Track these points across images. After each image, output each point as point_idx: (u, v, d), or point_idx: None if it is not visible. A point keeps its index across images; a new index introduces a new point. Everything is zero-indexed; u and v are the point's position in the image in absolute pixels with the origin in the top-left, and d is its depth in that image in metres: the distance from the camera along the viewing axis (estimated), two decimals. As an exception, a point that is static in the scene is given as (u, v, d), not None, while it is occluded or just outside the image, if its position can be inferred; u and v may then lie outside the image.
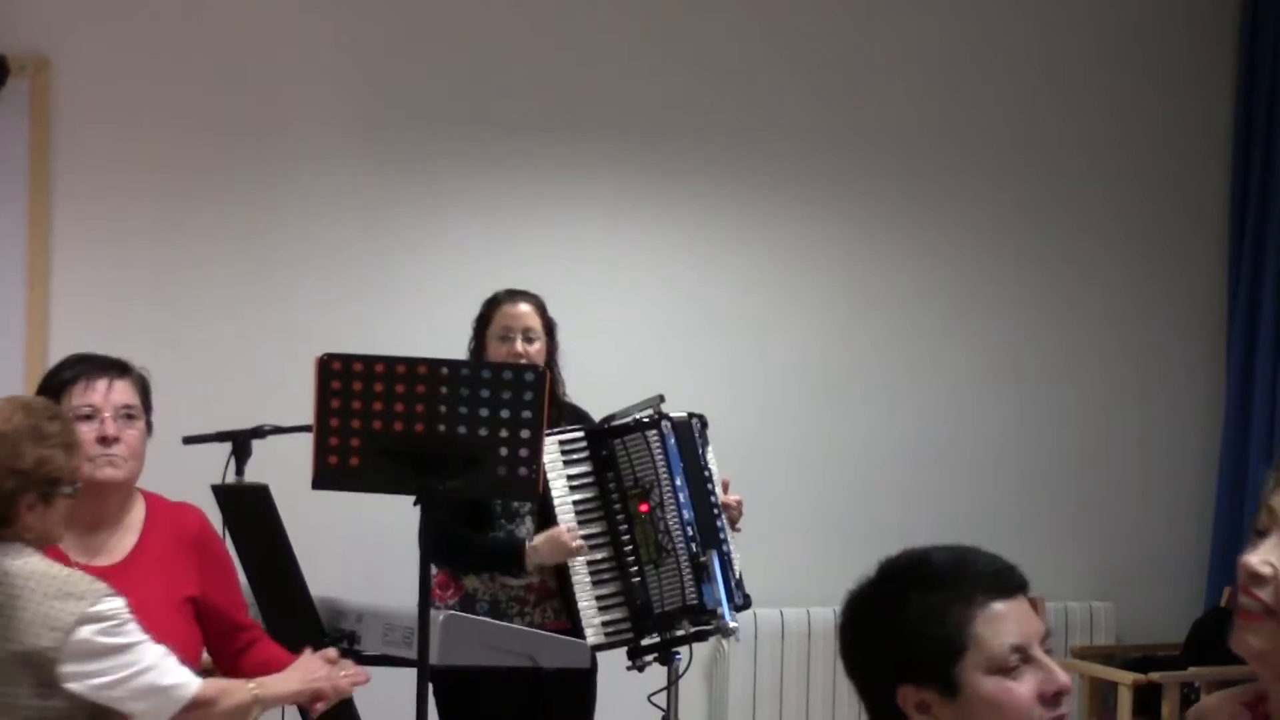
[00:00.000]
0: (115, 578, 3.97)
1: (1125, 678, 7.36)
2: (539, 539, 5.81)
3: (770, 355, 7.59)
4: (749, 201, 7.54)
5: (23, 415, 3.80)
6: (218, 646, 4.39)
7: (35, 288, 6.81)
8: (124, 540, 4.22)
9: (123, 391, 4.22)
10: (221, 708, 3.94)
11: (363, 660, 4.97)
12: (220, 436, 5.46)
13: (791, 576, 7.44)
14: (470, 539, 5.87)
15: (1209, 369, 8.10)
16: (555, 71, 7.31)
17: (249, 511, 4.95)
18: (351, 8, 7.09)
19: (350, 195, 7.11)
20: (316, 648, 4.89)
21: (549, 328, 6.28)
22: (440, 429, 5.22)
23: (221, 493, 5.05)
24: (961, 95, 7.76)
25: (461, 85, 7.20)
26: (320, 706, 4.24)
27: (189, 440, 5.17)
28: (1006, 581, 2.69)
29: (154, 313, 6.85)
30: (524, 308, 6.25)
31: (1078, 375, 7.96)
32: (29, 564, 3.75)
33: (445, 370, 5.30)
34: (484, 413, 5.25)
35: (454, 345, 6.23)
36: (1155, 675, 7.34)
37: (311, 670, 4.23)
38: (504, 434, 5.26)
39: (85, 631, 3.71)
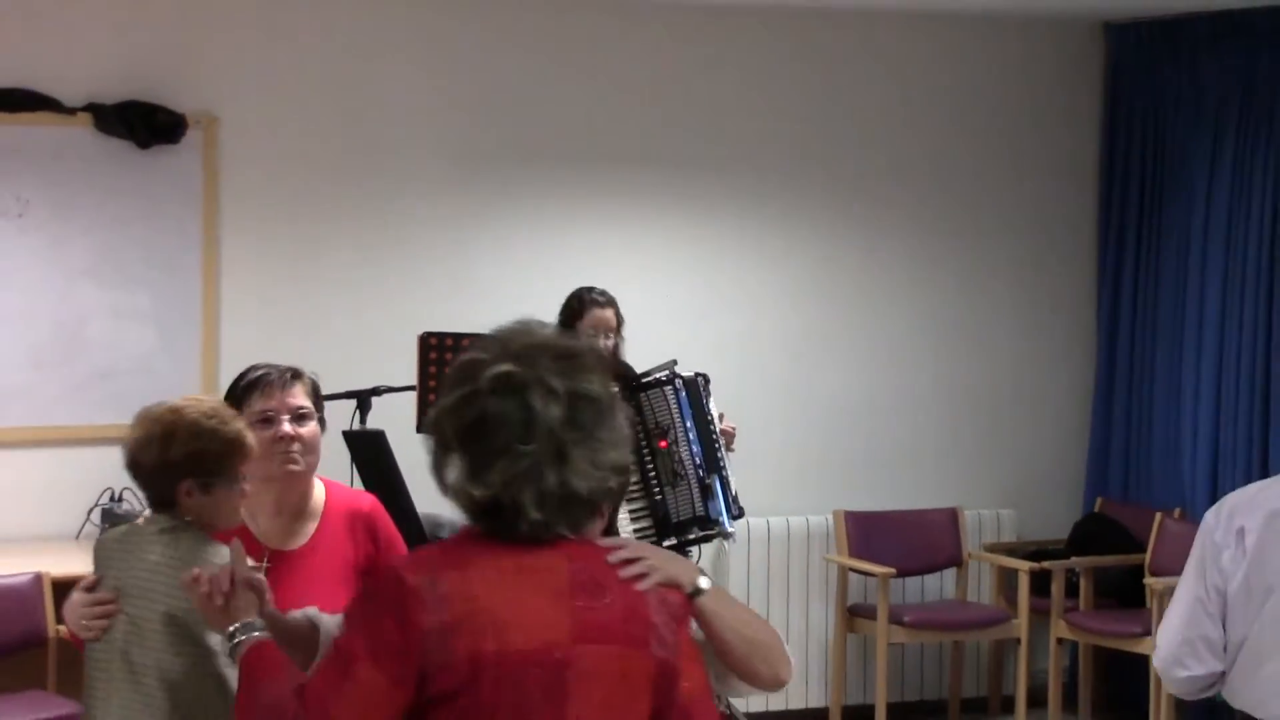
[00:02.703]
0: (305, 558, 3.68)
1: (1024, 566, 7.38)
2: None
3: (756, 327, 7.60)
4: (739, 215, 7.53)
5: (173, 416, 3.43)
6: None
7: (208, 291, 6.81)
8: (309, 525, 3.75)
9: (296, 395, 3.75)
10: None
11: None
12: (348, 395, 5.48)
13: (774, 493, 7.45)
14: None
15: (1083, 334, 8.09)
16: (597, 120, 7.31)
17: (370, 450, 4.99)
18: (445, 75, 7.10)
19: (444, 215, 7.12)
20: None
21: (619, 324, 6.36)
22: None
23: (350, 436, 5.09)
24: (897, 136, 7.75)
25: (526, 129, 7.21)
26: None
27: (325, 398, 5.21)
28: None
29: (298, 306, 6.87)
30: (610, 313, 6.37)
31: (986, 338, 7.95)
32: (176, 536, 3.42)
33: (514, 344, 5.33)
34: (543, 375, 5.29)
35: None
36: (1046, 564, 7.36)
37: None
38: (558, 391, 5.29)
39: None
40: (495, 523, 2.50)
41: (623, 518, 5.99)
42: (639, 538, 6.03)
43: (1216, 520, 3.75)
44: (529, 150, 7.22)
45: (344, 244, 6.97)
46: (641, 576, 2.54)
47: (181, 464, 3.40)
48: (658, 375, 6.19)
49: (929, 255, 7.82)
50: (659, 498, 6.04)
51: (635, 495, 6.06)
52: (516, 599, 2.50)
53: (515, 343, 2.53)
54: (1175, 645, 3.72)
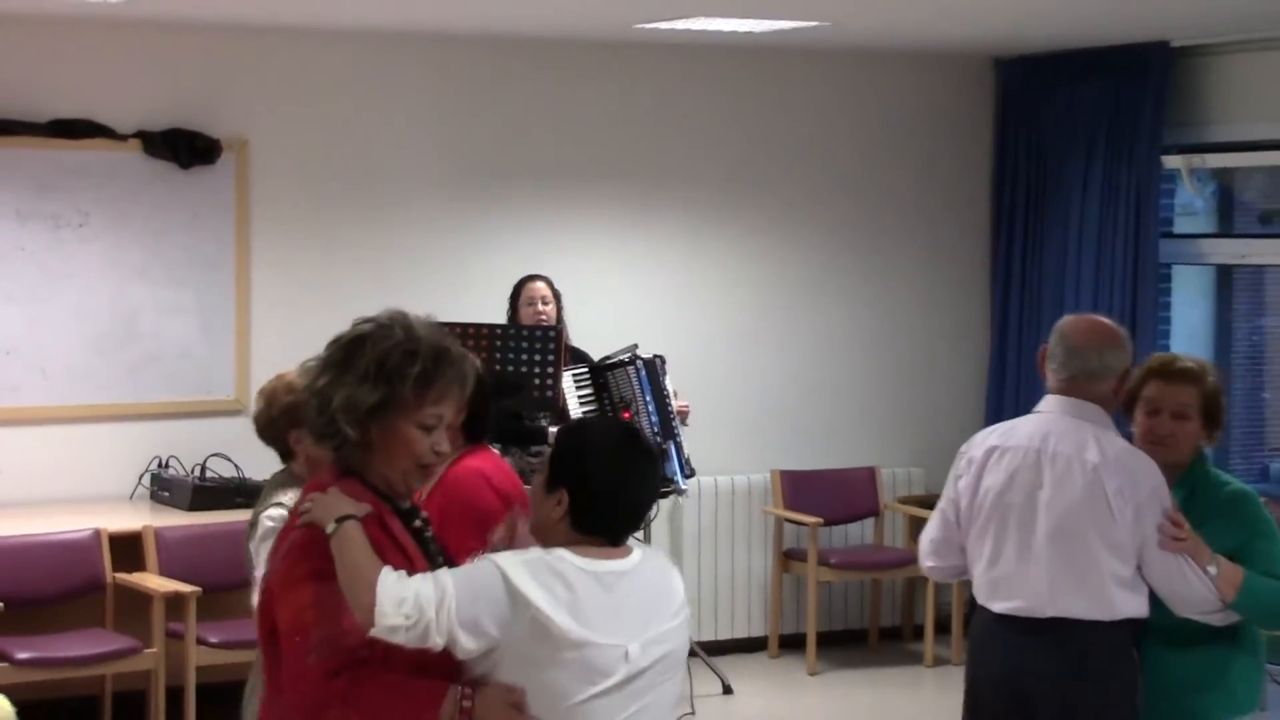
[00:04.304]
0: (427, 505, 3.31)
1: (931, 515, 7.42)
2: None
3: (706, 316, 7.60)
4: (691, 223, 7.53)
5: (274, 381, 3.60)
6: None
7: (240, 289, 6.81)
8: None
9: None
10: None
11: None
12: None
13: (720, 456, 7.48)
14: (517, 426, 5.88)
15: (979, 321, 8.11)
16: (573, 144, 7.31)
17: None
18: (446, 104, 7.10)
19: (440, 223, 7.12)
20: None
21: (557, 296, 6.45)
22: (497, 367, 5.32)
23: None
24: (821, 158, 7.76)
25: (516, 151, 7.21)
26: None
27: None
28: None
29: (318, 301, 6.83)
30: (540, 284, 6.47)
31: (898, 324, 7.97)
32: (278, 482, 3.54)
33: (499, 331, 5.40)
34: (524, 357, 5.36)
35: (503, 313, 6.30)
36: (949, 513, 7.41)
37: None
38: (537, 370, 5.36)
39: (255, 532, 3.48)
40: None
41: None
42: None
43: (961, 452, 3.96)
44: (518, 168, 7.22)
45: (358, 248, 6.98)
46: (305, 513, 2.64)
47: (283, 417, 3.52)
48: (621, 357, 6.27)
49: (850, 256, 7.85)
50: (623, 460, 6.10)
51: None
52: None
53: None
54: (924, 544, 3.94)
